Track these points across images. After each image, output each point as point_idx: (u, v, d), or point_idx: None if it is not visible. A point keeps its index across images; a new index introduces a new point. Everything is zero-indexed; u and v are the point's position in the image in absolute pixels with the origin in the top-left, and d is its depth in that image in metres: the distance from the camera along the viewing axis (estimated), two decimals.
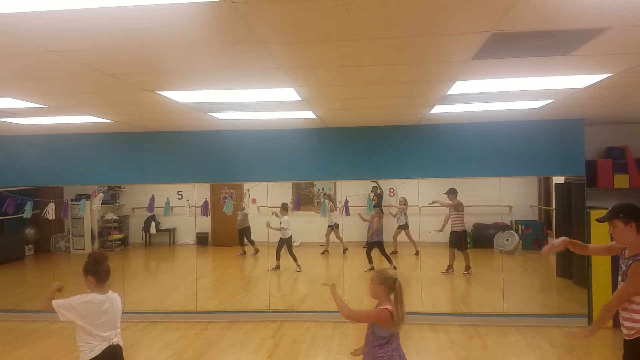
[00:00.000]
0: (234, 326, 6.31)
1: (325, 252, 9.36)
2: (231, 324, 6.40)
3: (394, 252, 8.64)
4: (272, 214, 8.29)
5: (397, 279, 3.09)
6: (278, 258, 8.38)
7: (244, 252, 9.44)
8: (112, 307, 3.31)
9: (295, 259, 8.40)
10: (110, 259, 3.35)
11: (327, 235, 9.21)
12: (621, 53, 2.92)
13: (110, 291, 3.34)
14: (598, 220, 3.27)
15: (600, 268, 5.98)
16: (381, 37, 2.48)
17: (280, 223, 8.33)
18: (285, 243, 8.39)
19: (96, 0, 1.91)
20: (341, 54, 2.81)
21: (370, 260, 8.16)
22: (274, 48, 2.65)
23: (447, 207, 7.53)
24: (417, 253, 8.49)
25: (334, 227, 9.08)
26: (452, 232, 7.61)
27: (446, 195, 7.48)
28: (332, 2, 1.98)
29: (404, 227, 8.66)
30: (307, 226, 9.13)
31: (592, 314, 6.05)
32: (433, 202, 7.65)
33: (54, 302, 3.17)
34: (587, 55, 2.92)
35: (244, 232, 9.22)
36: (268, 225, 7.89)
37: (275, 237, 8.39)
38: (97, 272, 3.24)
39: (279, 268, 8.38)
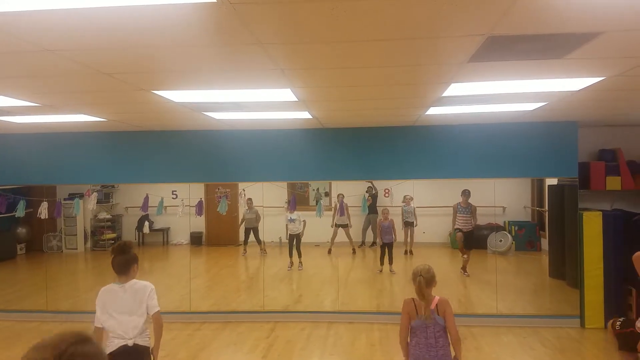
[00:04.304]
0: (228, 327, 6.30)
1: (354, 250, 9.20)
2: (225, 324, 6.39)
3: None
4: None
5: (419, 274, 3.27)
6: (291, 255, 8.33)
7: (245, 251, 9.33)
8: (129, 296, 3.22)
9: (298, 256, 8.35)
10: (136, 251, 3.33)
11: (346, 235, 9.03)
12: (615, 57, 2.95)
13: (133, 280, 3.27)
14: None
15: (593, 269, 6.04)
16: (378, 39, 2.49)
17: (290, 219, 8.27)
18: (294, 239, 8.35)
19: (93, 0, 1.90)
20: (338, 55, 2.81)
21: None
22: (271, 49, 2.65)
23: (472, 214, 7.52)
24: (406, 252, 8.49)
25: (344, 227, 8.94)
26: (466, 232, 7.57)
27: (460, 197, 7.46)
28: (330, 4, 1.99)
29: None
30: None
31: (584, 314, 6.10)
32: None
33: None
34: (581, 58, 2.94)
35: (254, 230, 9.03)
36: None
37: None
38: (111, 264, 3.24)
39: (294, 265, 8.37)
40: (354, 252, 8.91)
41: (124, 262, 3.23)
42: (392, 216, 7.90)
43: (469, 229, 7.50)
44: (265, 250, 8.82)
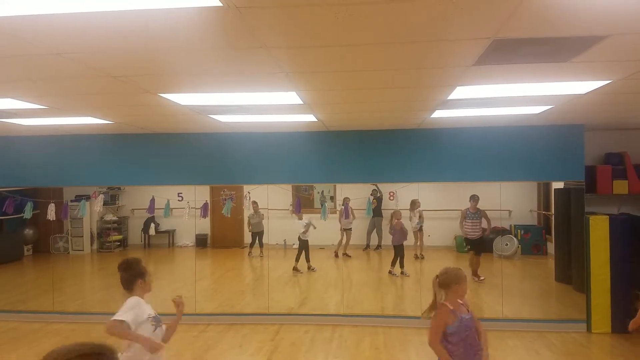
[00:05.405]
0: (233, 329, 6.30)
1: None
2: (230, 326, 6.39)
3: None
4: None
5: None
6: (307, 259, 8.38)
7: (251, 254, 9.35)
8: None
9: (307, 261, 8.40)
10: (141, 262, 3.28)
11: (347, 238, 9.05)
12: (621, 60, 2.94)
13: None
14: None
15: (600, 274, 6.00)
16: (384, 42, 2.50)
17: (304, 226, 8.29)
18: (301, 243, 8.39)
19: (102, 4, 1.92)
20: (343, 59, 2.82)
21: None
22: (276, 52, 2.67)
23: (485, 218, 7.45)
24: (416, 256, 8.47)
25: (348, 230, 8.97)
26: (476, 239, 7.49)
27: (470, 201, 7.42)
28: (335, 8, 2.00)
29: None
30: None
31: (590, 319, 6.05)
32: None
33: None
34: (587, 62, 2.94)
35: (260, 235, 9.09)
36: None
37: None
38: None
39: (310, 269, 8.42)
40: (349, 255, 8.95)
41: (127, 278, 3.23)
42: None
43: (479, 235, 7.45)
44: (262, 252, 8.84)
